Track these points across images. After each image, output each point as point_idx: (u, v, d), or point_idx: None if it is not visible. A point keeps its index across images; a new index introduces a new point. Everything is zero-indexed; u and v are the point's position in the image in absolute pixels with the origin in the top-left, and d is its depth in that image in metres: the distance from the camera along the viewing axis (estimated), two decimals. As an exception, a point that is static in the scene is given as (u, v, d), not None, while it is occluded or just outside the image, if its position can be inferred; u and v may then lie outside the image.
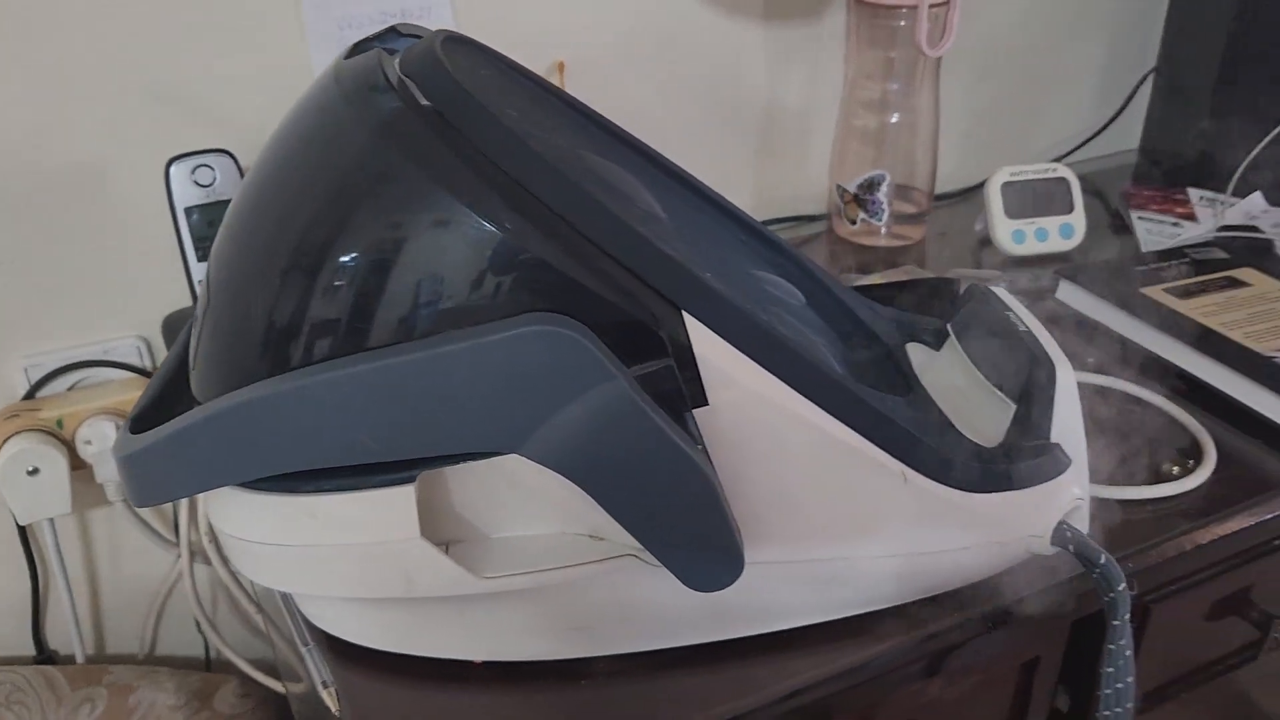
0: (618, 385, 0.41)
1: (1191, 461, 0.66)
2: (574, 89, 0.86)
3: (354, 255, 0.43)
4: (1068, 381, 0.53)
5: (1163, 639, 0.67)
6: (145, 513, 0.84)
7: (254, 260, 0.45)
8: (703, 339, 0.44)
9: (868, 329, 0.60)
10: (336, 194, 0.43)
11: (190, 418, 0.45)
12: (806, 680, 0.51)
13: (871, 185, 0.93)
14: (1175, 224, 0.98)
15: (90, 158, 0.73)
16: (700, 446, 0.44)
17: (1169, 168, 1.10)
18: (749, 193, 1.01)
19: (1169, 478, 0.64)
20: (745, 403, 0.45)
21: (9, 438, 0.72)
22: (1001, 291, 0.60)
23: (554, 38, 0.86)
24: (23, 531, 0.79)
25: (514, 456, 0.43)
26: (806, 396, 0.46)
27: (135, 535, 0.84)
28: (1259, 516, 0.63)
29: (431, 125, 0.43)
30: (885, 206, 0.94)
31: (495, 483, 0.47)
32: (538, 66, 0.85)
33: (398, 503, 0.45)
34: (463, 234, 0.42)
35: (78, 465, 0.75)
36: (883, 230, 0.96)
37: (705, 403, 0.45)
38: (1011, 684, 0.64)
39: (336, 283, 0.43)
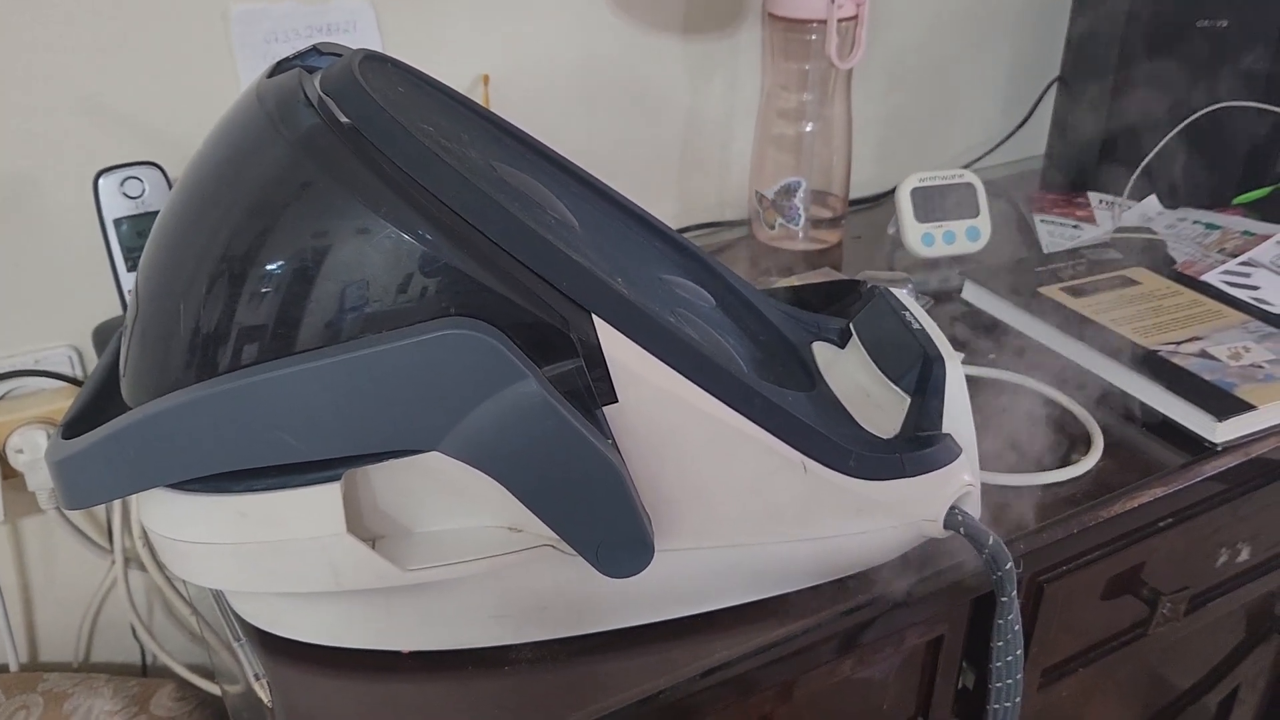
0: (529, 384, 0.44)
1: (1081, 449, 0.70)
2: (497, 103, 0.89)
3: (275, 264, 0.45)
4: (957, 376, 0.57)
5: (1059, 617, 0.72)
6: (78, 520, 0.85)
7: (180, 269, 0.47)
8: (611, 340, 0.47)
9: (774, 329, 0.64)
10: (258, 206, 0.46)
11: (121, 422, 0.46)
12: (722, 659, 0.54)
13: (788, 191, 0.97)
14: (1075, 226, 1.03)
15: (20, 169, 0.74)
16: (610, 441, 0.47)
17: (1072, 172, 1.15)
18: (672, 201, 1.04)
19: (1059, 465, 0.69)
20: (653, 399, 0.48)
21: (-61, 448, 0.73)
22: (899, 291, 0.64)
23: (477, 54, 0.88)
24: (-46, 543, 0.80)
25: (434, 454, 0.46)
26: (710, 393, 0.49)
27: (69, 543, 0.85)
28: (1143, 499, 0.67)
29: (348, 141, 0.46)
30: (802, 212, 0.98)
31: (417, 479, 0.49)
32: (461, 82, 0.88)
33: (324, 500, 0.47)
34: (379, 243, 0.45)
35: (9, 474, 0.76)
36: (800, 234, 1.00)
37: (615, 400, 0.48)
38: (919, 662, 0.68)
39: (259, 290, 0.45)
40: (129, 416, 0.47)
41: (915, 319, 0.61)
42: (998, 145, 1.21)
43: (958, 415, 0.57)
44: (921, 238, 0.96)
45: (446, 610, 0.52)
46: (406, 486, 0.50)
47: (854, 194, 1.07)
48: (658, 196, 1.03)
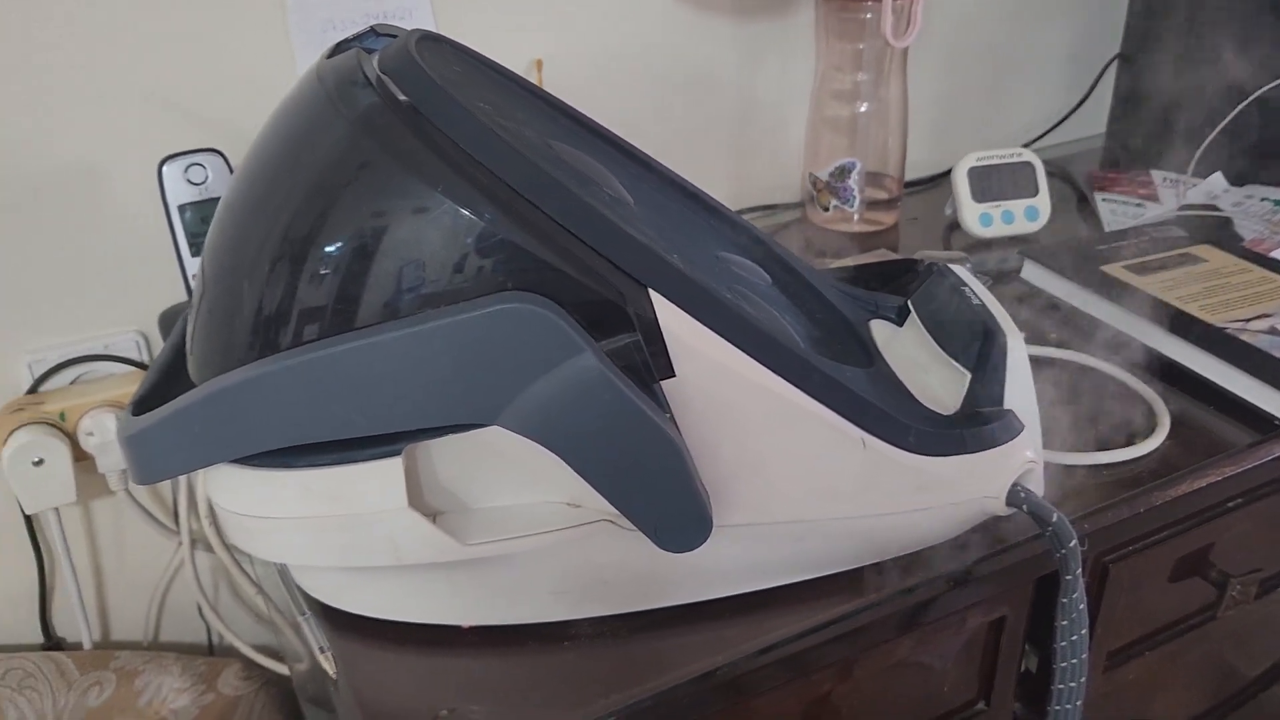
0: (587, 358, 0.44)
1: (1146, 428, 0.69)
2: (551, 86, 0.89)
3: (336, 243, 0.46)
4: (1019, 351, 0.56)
5: (1124, 598, 0.70)
6: (147, 501, 0.87)
7: (244, 249, 0.48)
8: (668, 315, 0.47)
9: (832, 306, 0.63)
10: (319, 185, 0.46)
11: (188, 398, 0.47)
12: (779, 636, 0.54)
13: (843, 172, 0.96)
14: (1138, 204, 1.01)
15: (88, 160, 0.76)
16: (668, 415, 0.47)
17: (1135, 150, 1.13)
18: (725, 184, 1.04)
19: (1124, 444, 0.67)
20: (710, 374, 0.48)
21: (14, 430, 0.75)
22: (957, 268, 0.63)
23: (531, 39, 0.89)
24: (29, 522, 0.82)
25: (493, 428, 0.47)
26: (768, 368, 0.49)
27: (138, 524, 0.87)
28: (1211, 478, 0.66)
29: (407, 119, 0.46)
30: (857, 193, 0.97)
31: (477, 454, 0.50)
32: (515, 67, 0.88)
33: (386, 475, 0.48)
34: (437, 220, 0.45)
35: (80, 456, 0.78)
36: (855, 217, 0.99)
37: (672, 374, 0.48)
38: (980, 644, 0.67)
39: (321, 269, 0.46)
40: (196, 393, 0.48)
41: (975, 294, 0.60)
42: (1057, 124, 1.19)
43: (1020, 391, 0.56)
44: (979, 218, 0.95)
45: (506, 585, 0.53)
46: (467, 462, 0.51)
47: (909, 175, 1.06)
48: (710, 180, 1.03)
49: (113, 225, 0.78)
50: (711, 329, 0.48)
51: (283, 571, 0.59)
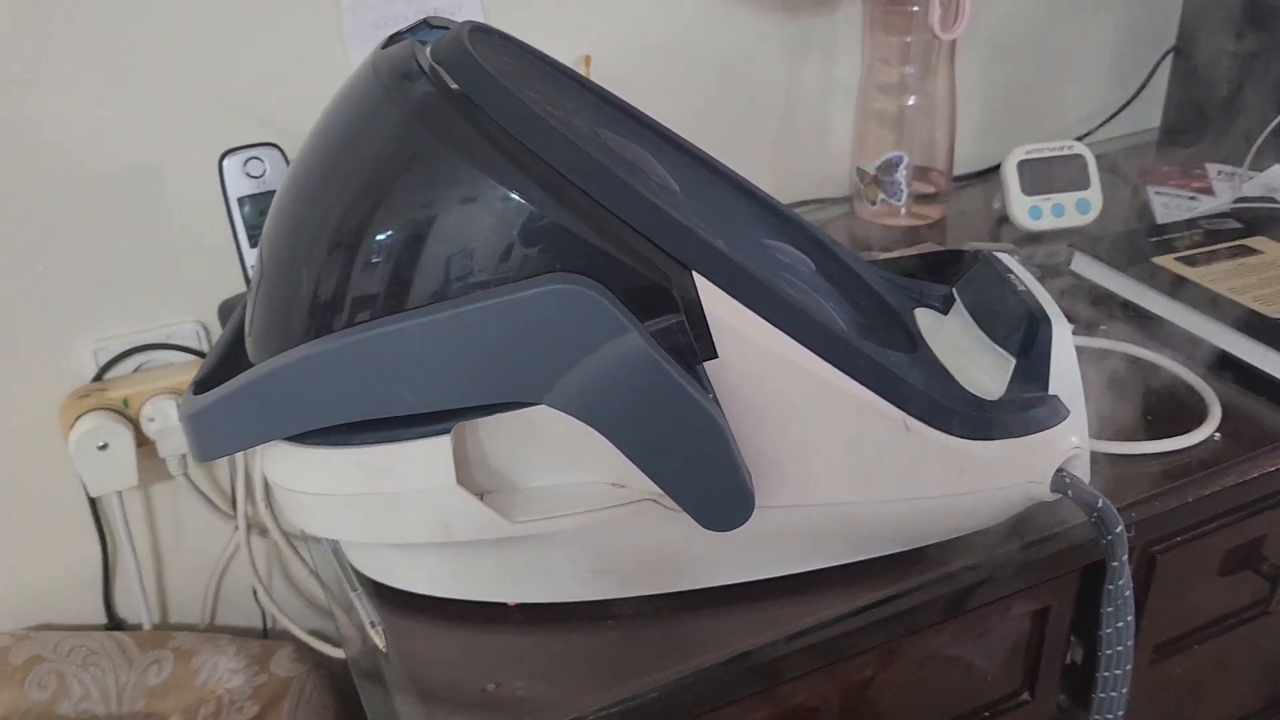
0: (632, 338, 0.45)
1: (1197, 419, 0.68)
2: (598, 80, 0.90)
3: (390, 228, 0.47)
4: (1064, 337, 0.56)
5: (1172, 590, 0.70)
6: (205, 486, 0.89)
7: (301, 235, 0.50)
8: (712, 296, 0.48)
9: (875, 294, 0.64)
10: (374, 172, 0.48)
11: (246, 377, 0.49)
12: (819, 619, 0.55)
13: (890, 166, 0.97)
14: (1192, 198, 0.99)
15: (149, 156, 0.79)
16: (710, 395, 0.48)
17: (1189, 145, 1.11)
18: (770, 178, 1.04)
19: (1174, 434, 0.67)
20: (752, 355, 0.49)
21: (80, 416, 0.78)
22: (1004, 256, 0.63)
23: (579, 34, 0.90)
24: (94, 506, 0.85)
25: (540, 408, 0.48)
26: (810, 349, 0.49)
27: (197, 509, 0.89)
28: (1262, 469, 0.65)
29: (459, 107, 0.47)
30: (904, 187, 0.97)
31: (523, 434, 0.51)
32: (563, 60, 0.90)
33: (435, 452, 0.49)
34: (489, 205, 0.46)
35: (142, 442, 0.81)
36: (902, 210, 0.99)
37: (715, 355, 0.48)
38: (1024, 634, 0.67)
39: (374, 254, 0.47)
40: (254, 371, 0.49)
41: (1021, 281, 0.60)
42: (1109, 119, 1.17)
43: (1065, 377, 0.56)
44: (1028, 211, 0.95)
45: (550, 564, 0.54)
46: (514, 441, 0.52)
47: (957, 170, 1.06)
48: (756, 174, 1.03)
49: (174, 219, 0.81)
50: (754, 311, 0.49)
51: (336, 550, 0.61)
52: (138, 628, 0.90)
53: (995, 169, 1.09)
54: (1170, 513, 0.63)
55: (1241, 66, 1.06)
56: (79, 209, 0.78)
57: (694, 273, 0.48)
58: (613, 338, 0.46)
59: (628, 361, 0.46)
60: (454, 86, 0.49)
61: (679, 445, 0.47)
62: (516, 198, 0.46)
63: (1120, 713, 0.57)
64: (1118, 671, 0.56)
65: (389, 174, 0.48)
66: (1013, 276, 0.60)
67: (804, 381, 0.50)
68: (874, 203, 0.99)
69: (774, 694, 0.58)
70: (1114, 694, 0.57)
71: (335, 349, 0.47)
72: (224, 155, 0.74)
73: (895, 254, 0.91)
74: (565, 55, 0.90)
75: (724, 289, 0.48)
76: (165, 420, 0.80)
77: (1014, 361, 0.57)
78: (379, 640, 0.55)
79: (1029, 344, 0.56)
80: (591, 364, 0.46)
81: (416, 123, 0.47)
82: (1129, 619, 0.56)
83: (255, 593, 0.93)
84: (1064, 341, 0.56)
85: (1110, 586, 0.55)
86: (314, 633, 0.91)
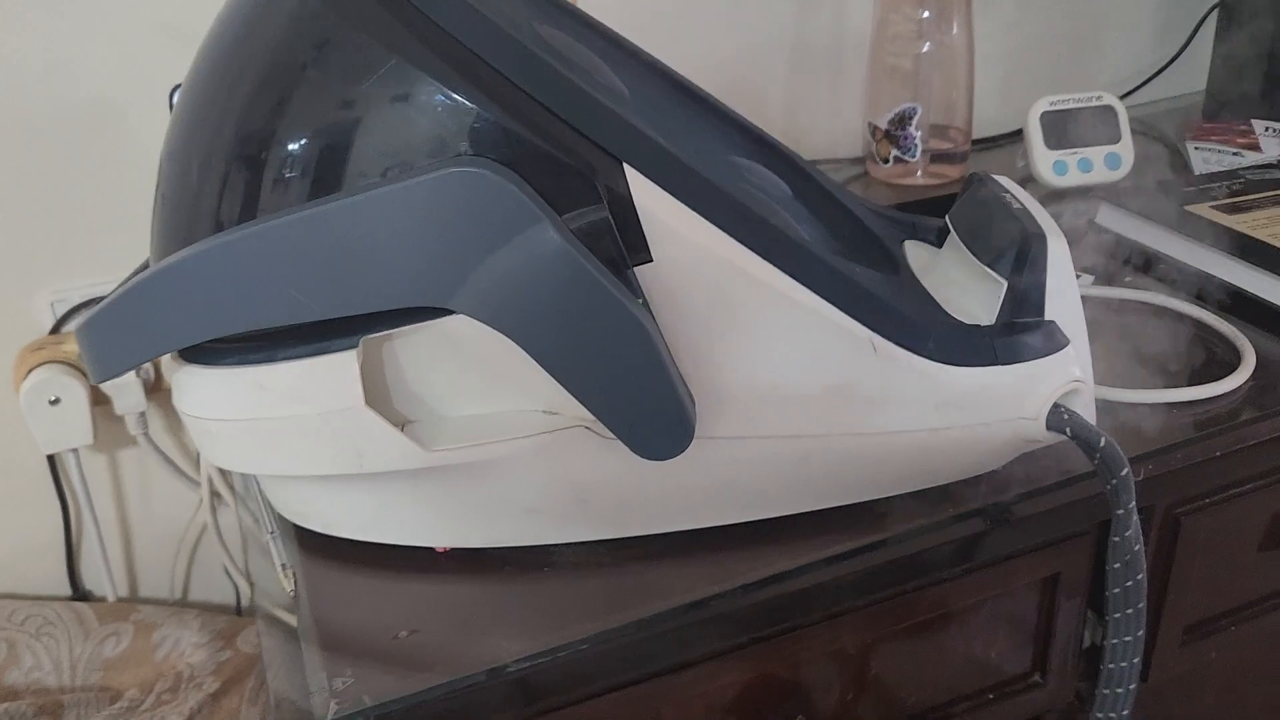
0: (545, 229, 0.40)
1: (1229, 367, 0.61)
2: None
3: (281, 111, 0.42)
4: (1061, 254, 0.49)
5: (1201, 562, 0.62)
6: (170, 451, 0.85)
7: (192, 131, 0.45)
8: (645, 192, 0.42)
9: (858, 222, 0.58)
10: (263, 52, 0.43)
11: (133, 280, 0.45)
12: (778, 569, 0.49)
13: (903, 120, 0.90)
14: (1236, 153, 0.92)
15: (109, 93, 0.75)
16: (641, 300, 0.42)
17: (1236, 106, 1.03)
18: (778, 135, 0.98)
19: (1201, 381, 0.59)
20: (692, 259, 0.43)
21: (32, 369, 0.74)
22: (1001, 178, 0.57)
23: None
24: (54, 469, 0.81)
25: (459, 321, 0.42)
26: (760, 255, 0.44)
27: (163, 475, 0.85)
28: (1303, 422, 0.58)
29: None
30: (918, 142, 0.90)
31: (442, 352, 0.46)
32: None
33: (341, 369, 0.44)
34: (389, 83, 0.41)
35: (100, 400, 0.77)
36: (919, 170, 0.92)
37: (649, 258, 0.43)
38: (1031, 605, 0.60)
39: (265, 146, 0.43)
40: (141, 275, 0.45)
41: (1017, 200, 0.53)
42: (1147, 80, 1.10)
43: (1064, 301, 0.49)
44: (1053, 166, 0.87)
45: (478, 501, 0.49)
46: (434, 361, 0.46)
47: (979, 133, 0.99)
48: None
49: (133, 163, 0.77)
50: (695, 210, 0.43)
51: (258, 487, 0.56)
52: (103, 600, 0.87)
53: (1019, 133, 1.02)
54: (1195, 468, 0.56)
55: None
56: (33, 150, 0.75)
57: (625, 165, 0.42)
58: (524, 230, 0.40)
59: (540, 256, 0.40)
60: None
61: (602, 356, 0.41)
62: (421, 74, 0.41)
63: (1132, 686, 0.50)
64: (1128, 638, 0.49)
65: (278, 55, 0.43)
66: (1008, 196, 0.54)
67: (754, 292, 0.44)
68: (887, 160, 0.93)
69: (736, 659, 0.51)
70: (1124, 664, 0.50)
71: (217, 247, 0.42)
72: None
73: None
74: None
75: (660, 184, 0.43)
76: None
77: (1005, 285, 0.50)
78: (286, 583, 0.50)
79: (1021, 263, 0.50)
80: (501, 261, 0.41)
81: (317, -1, 0.43)
82: (1139, 577, 0.49)
83: (226, 567, 0.89)
84: (1061, 260, 0.49)
85: (1116, 539, 0.48)
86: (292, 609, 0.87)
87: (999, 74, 1.04)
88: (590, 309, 0.41)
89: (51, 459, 0.80)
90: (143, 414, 0.79)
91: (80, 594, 0.86)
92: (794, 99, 0.98)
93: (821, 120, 1.00)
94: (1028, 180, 0.91)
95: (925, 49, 0.89)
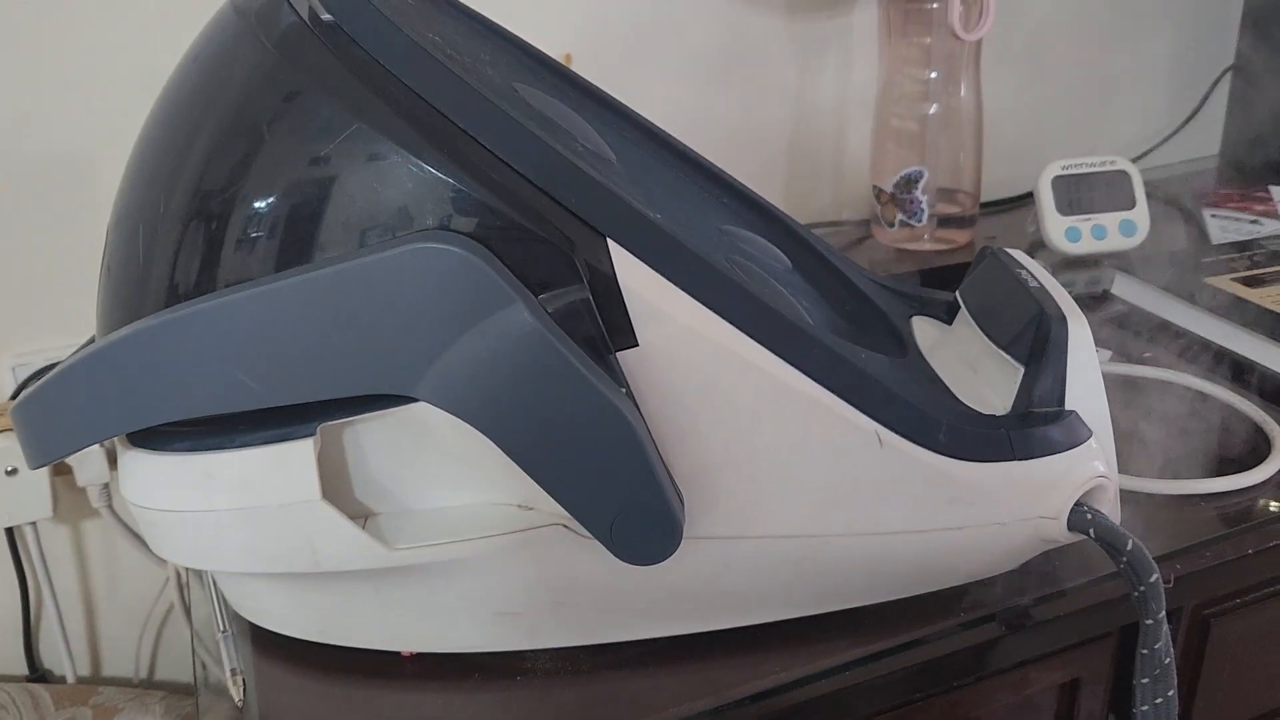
0: (517, 311, 0.36)
1: (1259, 456, 0.57)
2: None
3: (235, 181, 0.39)
4: (1082, 339, 0.46)
5: (1232, 666, 0.58)
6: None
7: (141, 195, 0.42)
8: (629, 270, 0.39)
9: (863, 297, 0.54)
10: (222, 114, 0.40)
11: (72, 359, 0.41)
12: (776, 682, 0.44)
13: (908, 183, 0.87)
14: (1254, 221, 0.88)
15: (79, 147, 0.72)
16: (624, 390, 0.38)
17: (1252, 170, 1.00)
18: (780, 197, 0.95)
19: (1231, 471, 0.55)
20: (681, 344, 0.40)
21: (-11, 438, 0.70)
22: (1016, 252, 0.53)
23: (562, 27, 0.83)
24: (13, 545, 0.77)
25: (424, 408, 0.39)
26: (757, 340, 0.40)
27: (128, 549, 0.81)
28: (1342, 516, 0.54)
29: (328, 37, 0.39)
30: (924, 206, 0.87)
31: (408, 442, 0.42)
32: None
33: (296, 459, 0.40)
34: (353, 148, 0.38)
35: (62, 470, 0.73)
36: (925, 234, 0.89)
37: (635, 343, 0.39)
38: (1049, 712, 0.55)
39: (217, 214, 0.39)
40: (82, 352, 0.41)
41: (1033, 277, 0.50)
42: (1160, 144, 1.07)
43: (1086, 389, 0.45)
44: (1065, 232, 0.84)
45: (446, 604, 0.44)
46: (397, 451, 0.43)
47: (988, 196, 0.96)
48: (763, 192, 0.94)
49: (102, 220, 0.73)
50: (685, 289, 0.40)
51: (212, 583, 0.52)
52: (62, 681, 0.82)
53: (1029, 196, 0.99)
54: (1226, 566, 0.52)
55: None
56: None
57: (609, 240, 0.39)
58: (494, 311, 0.37)
59: (512, 340, 0.37)
60: (326, 17, 0.40)
61: (581, 451, 0.37)
62: (385, 140, 0.38)
63: (1162, 812, 0.45)
64: (1158, 760, 0.45)
65: (239, 116, 0.39)
66: (1024, 273, 0.50)
67: (747, 379, 0.40)
68: (893, 224, 0.89)
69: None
70: (1155, 788, 0.45)
71: (159, 324, 0.38)
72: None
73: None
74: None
75: (647, 261, 0.39)
76: (86, 445, 0.72)
77: (1022, 370, 0.46)
78: (235, 692, 0.45)
79: (1039, 349, 0.46)
80: (469, 345, 0.37)
81: (276, 55, 0.39)
82: (1170, 694, 0.44)
83: (193, 646, 0.84)
84: (1082, 345, 0.46)
85: (1144, 651, 0.44)
86: (258, 692, 0.82)
87: (1007, 136, 1.01)
88: (567, 399, 0.37)
89: (10, 531, 0.76)
90: (106, 485, 0.74)
91: (38, 674, 0.81)
92: (796, 160, 0.95)
93: (825, 183, 0.97)
94: (1038, 246, 0.88)
95: (932, 110, 0.86)
